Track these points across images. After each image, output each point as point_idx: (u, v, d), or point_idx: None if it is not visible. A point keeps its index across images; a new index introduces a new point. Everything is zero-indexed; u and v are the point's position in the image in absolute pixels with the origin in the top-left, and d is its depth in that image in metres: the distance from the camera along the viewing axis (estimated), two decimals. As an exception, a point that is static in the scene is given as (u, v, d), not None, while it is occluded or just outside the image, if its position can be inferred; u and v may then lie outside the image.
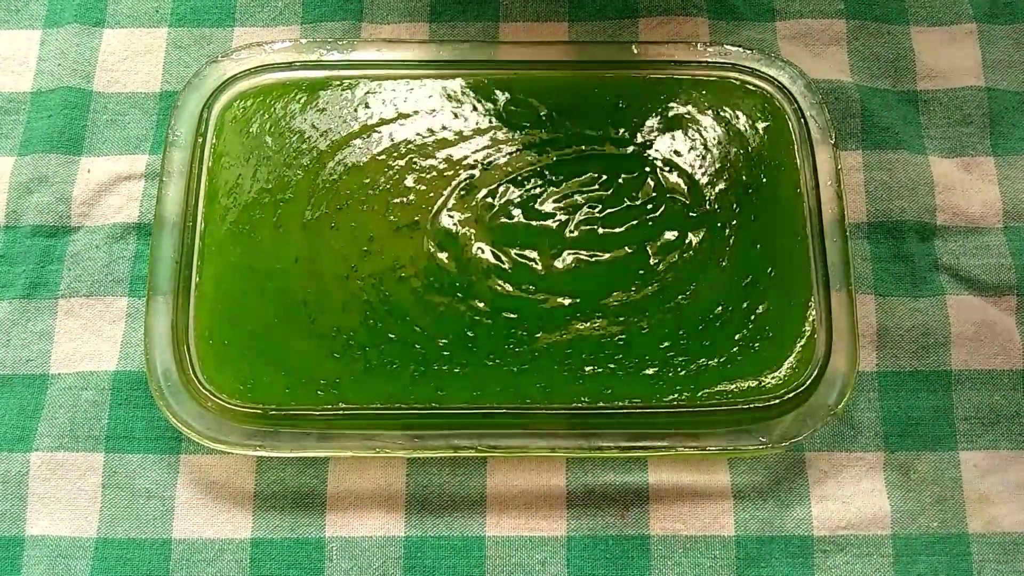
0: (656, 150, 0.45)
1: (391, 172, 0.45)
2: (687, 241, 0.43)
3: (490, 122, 0.46)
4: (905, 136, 0.48)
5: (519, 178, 0.44)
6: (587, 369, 0.41)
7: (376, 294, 0.42)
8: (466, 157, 0.45)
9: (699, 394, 0.41)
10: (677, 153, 0.45)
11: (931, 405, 0.44)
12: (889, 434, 0.43)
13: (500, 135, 0.45)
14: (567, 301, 0.42)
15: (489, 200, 0.44)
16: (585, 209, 0.44)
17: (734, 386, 0.41)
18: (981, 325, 0.45)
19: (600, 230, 0.43)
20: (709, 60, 0.47)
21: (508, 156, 0.45)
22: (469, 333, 0.42)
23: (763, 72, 0.46)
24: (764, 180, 0.44)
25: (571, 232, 0.43)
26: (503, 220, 0.44)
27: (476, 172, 0.44)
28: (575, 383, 0.41)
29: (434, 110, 0.46)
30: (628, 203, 0.44)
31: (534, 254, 0.43)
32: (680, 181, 0.44)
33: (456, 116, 0.46)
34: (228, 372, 0.41)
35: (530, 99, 0.46)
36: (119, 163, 0.48)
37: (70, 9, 0.50)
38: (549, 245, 0.43)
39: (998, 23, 0.50)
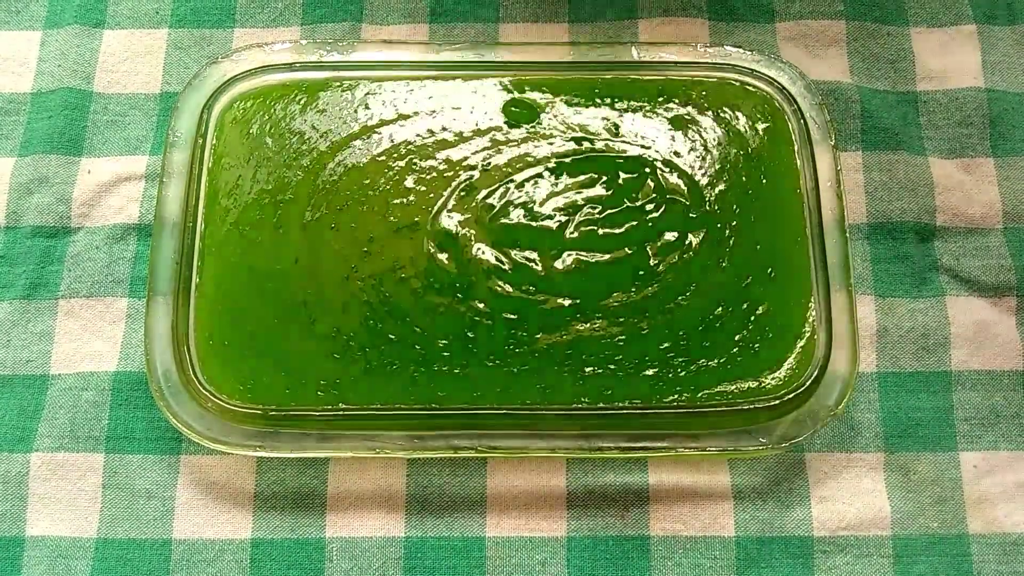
0: (656, 151, 0.45)
1: (391, 173, 0.45)
2: (687, 242, 0.43)
3: (490, 123, 0.46)
4: (905, 137, 0.48)
5: (519, 179, 0.44)
6: (587, 370, 0.41)
7: (376, 295, 0.42)
8: (466, 158, 0.45)
9: (699, 395, 0.41)
10: (677, 154, 0.45)
11: (931, 406, 0.44)
12: (889, 435, 0.43)
13: (500, 136, 0.45)
14: (567, 302, 0.42)
15: (489, 201, 0.44)
16: (585, 210, 0.44)
17: (734, 387, 0.41)
18: (981, 326, 0.45)
19: (600, 231, 0.43)
20: (709, 61, 0.47)
21: (508, 157, 0.45)
22: (469, 334, 0.42)
23: (763, 73, 0.46)
24: (764, 181, 0.44)
25: (571, 233, 0.43)
26: (503, 221, 0.44)
27: (476, 173, 0.44)
28: (575, 384, 0.41)
29: (434, 111, 0.46)
30: (628, 204, 0.44)
31: (534, 255, 0.43)
32: (680, 182, 0.44)
33: (456, 117, 0.46)
34: (228, 373, 0.41)
35: (530, 100, 0.46)
36: (119, 164, 0.48)
37: (70, 10, 0.50)
38: (549, 246, 0.43)
39: (998, 24, 0.50)
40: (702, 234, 0.43)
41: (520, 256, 0.43)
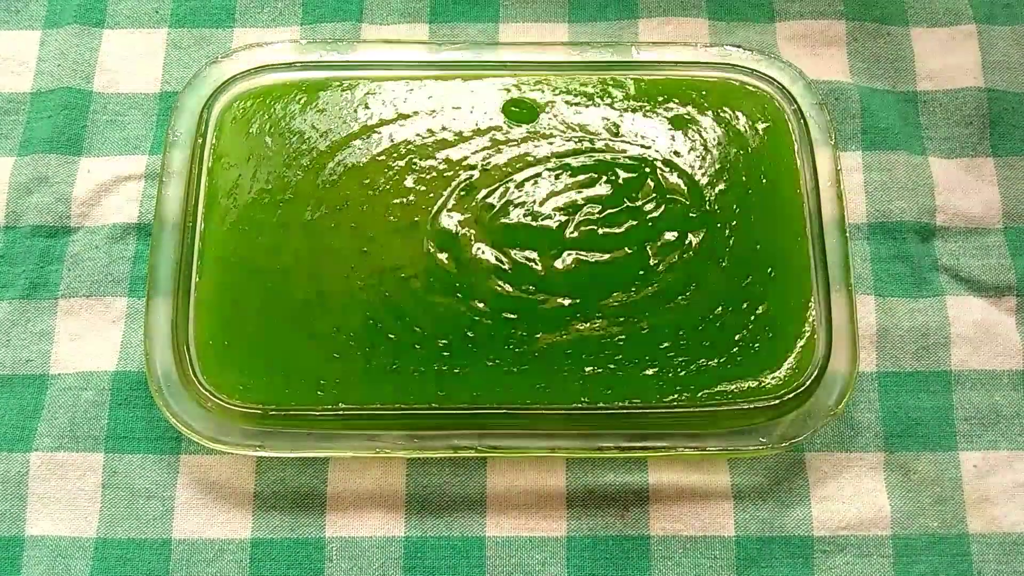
0: (656, 151, 0.45)
1: (391, 173, 0.45)
2: (687, 242, 0.43)
3: (490, 123, 0.46)
4: (905, 137, 0.48)
5: (519, 179, 0.44)
6: (587, 369, 0.41)
7: (376, 294, 0.42)
8: (466, 158, 0.45)
9: (699, 394, 0.41)
10: (677, 154, 0.45)
11: (931, 405, 0.44)
12: (889, 434, 0.43)
13: (500, 136, 0.45)
14: (567, 301, 0.42)
15: (489, 201, 0.44)
16: (585, 210, 0.44)
17: (734, 386, 0.41)
18: (981, 326, 0.45)
19: (600, 231, 0.43)
20: (709, 61, 0.47)
21: (508, 157, 0.45)
22: (469, 333, 0.42)
23: (763, 73, 0.46)
24: (764, 181, 0.44)
25: (571, 232, 0.43)
26: (503, 221, 0.44)
27: (476, 173, 0.44)
28: (575, 383, 0.41)
29: (434, 111, 0.46)
30: (628, 204, 0.44)
31: (534, 254, 0.43)
32: (680, 182, 0.44)
33: (456, 117, 0.46)
34: (228, 372, 0.41)
35: (530, 100, 0.46)
36: (119, 163, 0.48)
37: (70, 10, 0.50)
38: (549, 245, 0.43)
39: (998, 24, 0.50)
40: (702, 234, 0.43)
41: (520, 256, 0.43)
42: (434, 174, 0.44)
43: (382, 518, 0.42)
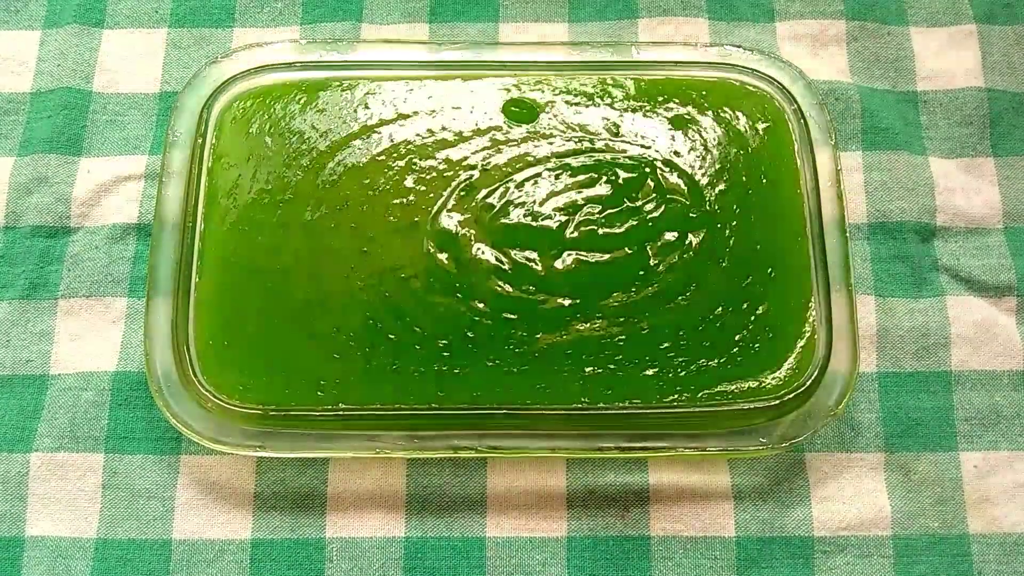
0: (656, 151, 0.45)
1: (391, 173, 0.44)
2: (687, 242, 0.43)
3: (490, 123, 0.46)
4: (905, 137, 0.48)
5: (519, 179, 0.44)
6: (587, 370, 0.41)
7: (376, 295, 0.42)
8: (466, 158, 0.45)
9: (699, 395, 0.41)
10: (677, 154, 0.45)
11: (931, 406, 0.44)
12: (889, 435, 0.43)
13: (500, 136, 0.45)
14: (567, 302, 0.42)
15: (489, 201, 0.44)
16: (585, 210, 0.44)
17: (734, 387, 0.41)
18: (981, 326, 0.45)
19: (600, 231, 0.43)
20: (709, 61, 0.47)
21: (508, 157, 0.45)
22: (469, 334, 0.42)
23: (763, 73, 0.46)
24: (764, 181, 0.44)
25: (571, 233, 0.43)
26: (503, 221, 0.44)
27: (476, 173, 0.44)
28: (575, 384, 0.41)
29: (434, 111, 0.46)
30: (628, 204, 0.44)
31: (534, 255, 0.43)
32: (680, 182, 0.44)
33: (456, 117, 0.46)
34: (228, 372, 0.41)
35: (530, 100, 0.46)
36: (119, 164, 0.48)
37: (69, 10, 0.50)
38: (549, 246, 0.43)
39: (998, 24, 0.50)
40: (702, 234, 0.43)
41: (520, 256, 0.43)
42: (434, 174, 0.44)
43: (382, 518, 0.42)
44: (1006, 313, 0.45)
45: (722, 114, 0.46)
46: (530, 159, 0.45)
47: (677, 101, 0.46)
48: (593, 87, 0.46)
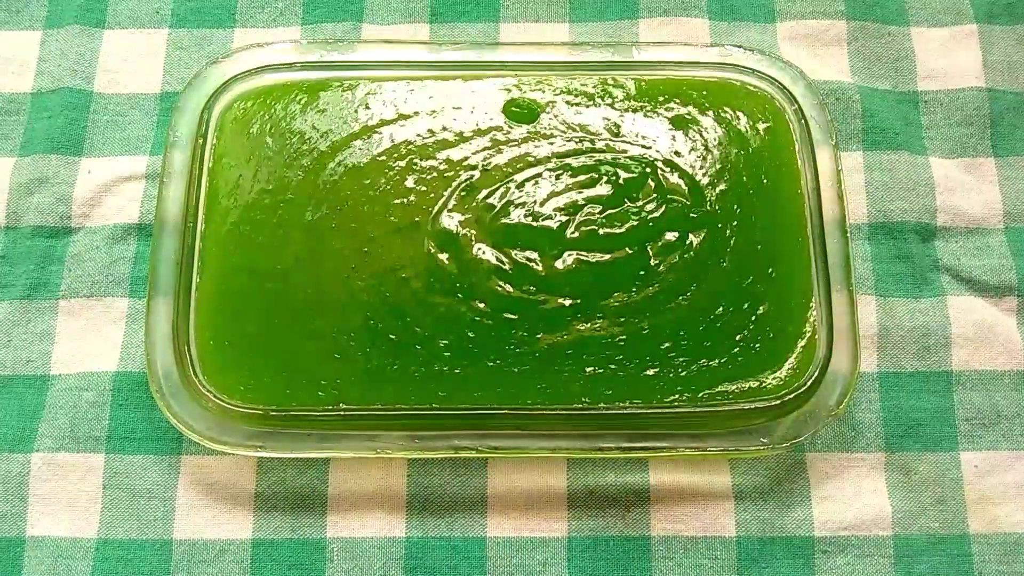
0: (657, 151, 0.45)
1: (391, 173, 0.44)
2: (688, 242, 0.43)
3: (490, 123, 0.46)
4: (906, 137, 0.48)
5: (520, 179, 0.44)
6: (588, 370, 0.41)
7: (377, 295, 0.42)
8: (466, 158, 0.45)
9: (700, 395, 0.41)
10: (678, 154, 0.45)
11: (932, 406, 0.44)
12: (890, 435, 0.43)
13: (500, 136, 0.45)
14: (568, 302, 0.42)
15: (490, 201, 0.44)
16: (586, 210, 0.44)
17: (735, 387, 0.41)
18: (982, 326, 0.45)
19: (601, 231, 0.43)
20: (710, 61, 0.47)
21: (508, 157, 0.45)
22: (470, 334, 0.42)
23: (764, 73, 0.46)
24: (765, 181, 0.44)
25: (572, 233, 0.43)
26: (504, 221, 0.44)
27: (476, 173, 0.44)
28: (576, 384, 0.41)
29: (434, 111, 0.46)
30: (629, 204, 0.44)
31: (535, 255, 0.43)
32: (681, 182, 0.44)
33: (456, 117, 0.46)
34: (229, 373, 0.41)
35: (530, 100, 0.46)
36: (120, 164, 0.48)
37: (71, 10, 0.50)
38: (550, 246, 0.43)
39: (998, 24, 0.50)
40: (703, 234, 0.43)
41: (521, 256, 0.43)
42: (435, 174, 0.44)
43: (383, 518, 0.42)
44: (1007, 313, 0.45)
45: (723, 114, 0.46)
46: (531, 159, 0.45)
47: (678, 101, 0.46)
48: (594, 87, 0.46)
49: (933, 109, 0.49)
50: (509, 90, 0.46)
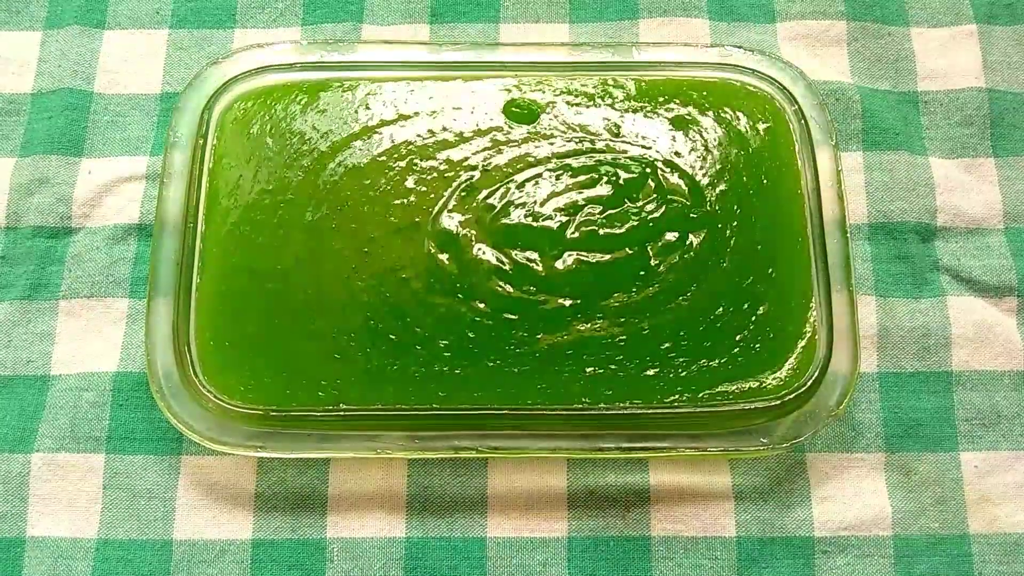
0: (657, 151, 0.45)
1: (392, 173, 0.45)
2: (688, 242, 0.43)
3: (491, 123, 0.46)
4: (906, 137, 0.48)
5: (520, 179, 0.44)
6: (588, 370, 0.41)
7: (377, 295, 0.42)
8: (467, 158, 0.45)
9: (700, 395, 0.41)
10: (678, 154, 0.45)
11: (932, 406, 0.44)
12: (890, 435, 0.43)
13: (500, 136, 0.45)
14: (568, 302, 0.42)
15: (490, 201, 0.44)
16: (586, 210, 0.44)
17: (735, 387, 0.41)
18: (982, 326, 0.45)
19: (601, 231, 0.43)
20: (710, 61, 0.47)
21: (509, 157, 0.45)
22: (470, 334, 0.42)
23: (764, 73, 0.46)
24: (765, 181, 0.44)
25: (572, 233, 0.43)
26: (504, 221, 0.44)
27: (477, 173, 0.44)
28: (576, 384, 0.41)
29: (434, 111, 0.46)
30: (629, 204, 0.44)
31: (535, 255, 0.43)
32: (681, 182, 0.44)
33: (456, 117, 0.46)
34: (229, 373, 0.41)
35: (531, 100, 0.46)
36: (120, 164, 0.48)
37: (71, 10, 0.50)
38: (550, 246, 0.43)
39: (998, 24, 0.50)
40: (703, 234, 0.43)
41: (521, 256, 0.43)
42: (435, 175, 0.44)
43: (383, 519, 0.42)
44: (1007, 313, 0.45)
45: (723, 114, 0.46)
46: (531, 160, 0.45)
47: (678, 102, 0.46)
48: (594, 88, 0.46)
49: (933, 109, 0.49)
50: (509, 90, 0.46)
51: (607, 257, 0.43)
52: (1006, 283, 0.46)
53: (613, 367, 0.41)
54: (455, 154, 0.45)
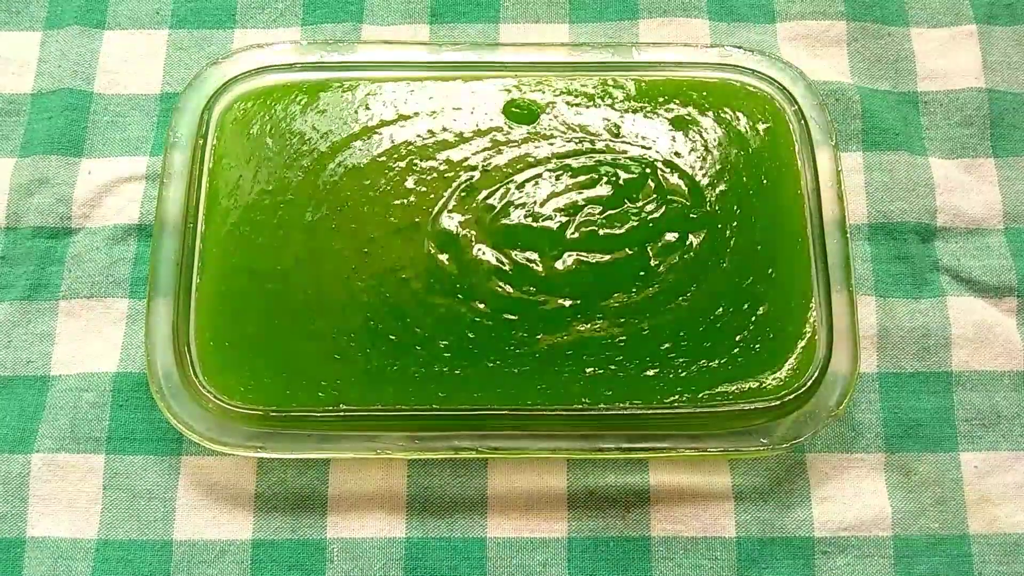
0: (657, 151, 0.45)
1: (391, 174, 0.45)
2: (688, 242, 0.43)
3: (490, 124, 0.46)
4: (906, 137, 0.48)
5: (520, 180, 0.44)
6: (588, 370, 0.41)
7: (377, 295, 0.42)
8: (466, 159, 0.45)
9: (700, 395, 0.41)
10: (678, 155, 0.45)
11: (932, 406, 0.44)
12: (890, 435, 0.43)
13: (500, 137, 0.45)
14: (568, 302, 0.42)
15: (490, 202, 0.44)
16: (586, 210, 0.44)
17: (735, 387, 0.41)
18: (982, 326, 0.45)
19: (601, 231, 0.43)
20: (710, 62, 0.47)
21: (508, 158, 0.45)
22: (470, 334, 0.42)
23: (764, 74, 0.46)
24: (765, 181, 0.44)
25: (572, 233, 0.43)
26: (504, 222, 0.44)
27: (476, 174, 0.44)
28: (576, 384, 0.41)
29: (434, 112, 0.46)
30: (629, 205, 0.44)
31: (535, 255, 0.43)
32: (681, 182, 0.44)
33: (456, 118, 0.46)
34: (229, 373, 0.41)
35: (530, 100, 0.46)
36: (120, 165, 0.48)
37: (71, 11, 0.50)
38: (550, 246, 0.43)
39: (998, 24, 0.50)
40: (703, 235, 0.43)
41: (521, 257, 0.43)
42: (435, 175, 0.44)
43: (383, 519, 0.42)
44: (1007, 314, 0.45)
45: (723, 115, 0.46)
46: (531, 160, 0.45)
47: (678, 102, 0.46)
48: (594, 88, 0.46)
49: (933, 110, 0.49)
50: (509, 91, 0.46)
51: (607, 257, 0.43)
52: (1006, 283, 0.46)
53: (613, 367, 0.41)
54: (455, 154, 0.45)
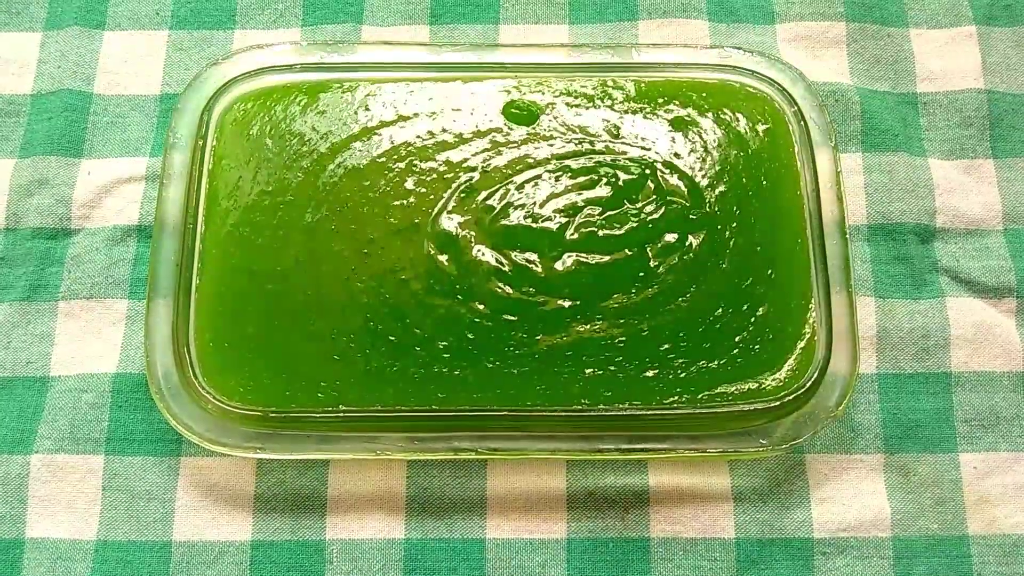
0: (656, 152, 0.45)
1: (391, 174, 0.45)
2: (687, 243, 0.43)
3: (490, 124, 0.46)
4: (905, 138, 0.48)
5: (519, 181, 0.44)
6: (587, 371, 0.41)
7: (376, 296, 0.42)
8: (466, 159, 0.45)
9: (699, 396, 0.41)
10: (677, 155, 0.45)
11: (931, 407, 0.44)
12: (889, 436, 0.43)
13: (500, 138, 0.45)
14: (567, 303, 0.42)
15: (489, 202, 0.44)
16: (585, 211, 0.44)
17: (734, 388, 0.41)
18: (981, 327, 0.45)
19: (600, 232, 0.43)
20: (709, 63, 0.47)
21: (508, 159, 0.45)
22: (469, 335, 0.42)
23: (763, 75, 0.46)
24: (764, 182, 0.44)
25: (571, 234, 0.43)
26: (503, 222, 0.44)
27: (476, 175, 0.44)
28: (575, 385, 0.41)
29: (434, 113, 0.46)
30: (628, 205, 0.44)
31: (534, 256, 0.43)
32: (680, 183, 0.44)
33: (456, 119, 0.46)
34: (228, 374, 0.41)
35: (530, 102, 0.46)
36: (119, 165, 0.48)
37: (71, 11, 0.50)
38: (549, 247, 0.43)
39: (998, 25, 0.50)
40: (702, 235, 0.43)
41: (520, 257, 0.43)
42: (434, 176, 0.44)
43: (382, 520, 0.42)
44: (1006, 315, 0.45)
45: (722, 116, 0.46)
46: (530, 161, 0.45)
47: (677, 103, 0.46)
48: (593, 89, 0.46)
49: (932, 111, 0.49)
50: (509, 92, 0.46)
51: (606, 258, 0.43)
52: (1005, 284, 0.46)
53: (612, 368, 0.41)
54: (455, 155, 0.45)
